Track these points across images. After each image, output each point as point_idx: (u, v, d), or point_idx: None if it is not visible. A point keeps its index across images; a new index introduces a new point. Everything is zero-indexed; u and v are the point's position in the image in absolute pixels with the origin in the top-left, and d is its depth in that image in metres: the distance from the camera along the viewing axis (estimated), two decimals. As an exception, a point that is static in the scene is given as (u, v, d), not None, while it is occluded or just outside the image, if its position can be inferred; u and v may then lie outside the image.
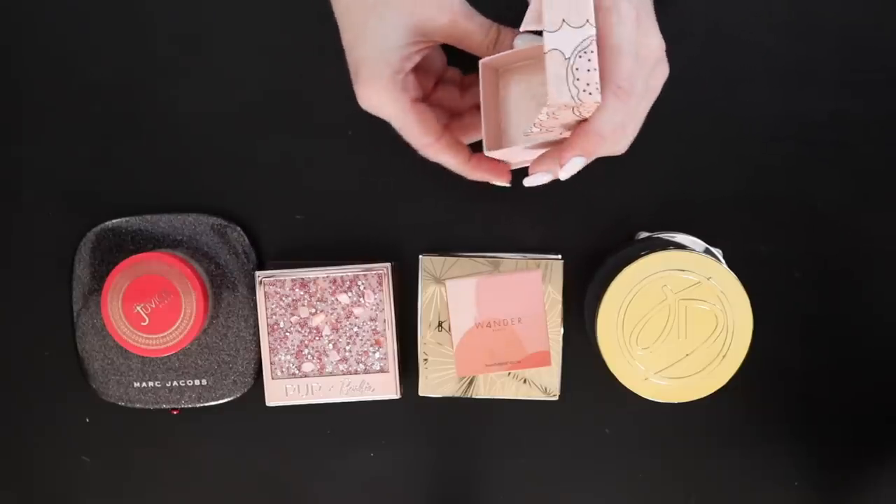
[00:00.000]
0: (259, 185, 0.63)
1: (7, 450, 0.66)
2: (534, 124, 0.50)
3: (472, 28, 0.51)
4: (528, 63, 0.53)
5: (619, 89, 0.48)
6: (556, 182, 0.62)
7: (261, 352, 0.62)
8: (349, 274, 0.61)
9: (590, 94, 0.47)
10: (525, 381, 0.62)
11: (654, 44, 0.50)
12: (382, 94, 0.50)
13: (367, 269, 0.61)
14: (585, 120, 0.49)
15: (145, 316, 0.58)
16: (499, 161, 0.55)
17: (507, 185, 0.56)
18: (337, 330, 0.61)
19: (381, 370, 0.61)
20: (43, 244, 0.64)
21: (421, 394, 0.62)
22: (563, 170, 0.50)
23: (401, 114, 0.51)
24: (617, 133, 0.49)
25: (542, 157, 0.52)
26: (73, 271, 0.63)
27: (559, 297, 0.61)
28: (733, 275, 0.55)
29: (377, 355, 0.61)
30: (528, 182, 0.53)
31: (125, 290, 0.58)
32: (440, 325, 0.62)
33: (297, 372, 0.62)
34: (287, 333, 0.61)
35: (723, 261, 0.58)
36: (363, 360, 0.61)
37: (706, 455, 0.64)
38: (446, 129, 0.54)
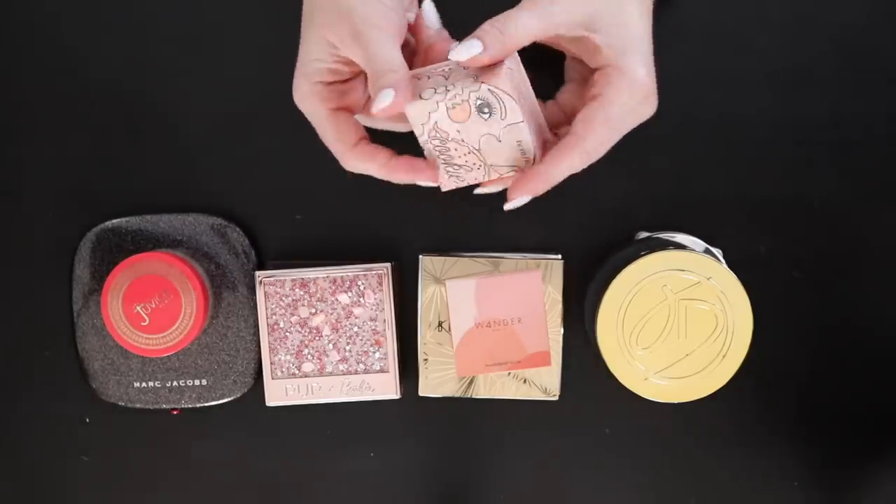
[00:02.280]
0: (259, 185, 0.63)
1: (7, 449, 0.66)
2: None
3: (380, 49, 0.50)
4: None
5: (586, 154, 0.51)
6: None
7: (261, 352, 0.62)
8: (349, 274, 0.61)
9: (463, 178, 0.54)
10: (525, 381, 0.62)
11: (647, 112, 0.53)
12: (304, 101, 0.53)
13: (367, 269, 0.61)
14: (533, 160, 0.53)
15: (145, 316, 0.58)
16: (422, 161, 0.54)
17: (435, 184, 0.54)
18: (337, 330, 0.61)
19: (381, 370, 0.61)
20: (43, 244, 0.64)
21: (421, 394, 0.62)
22: (509, 204, 0.53)
23: (318, 120, 0.53)
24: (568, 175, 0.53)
25: (519, 182, 0.53)
26: (73, 271, 0.63)
27: (559, 297, 0.61)
28: (733, 275, 0.55)
29: (377, 355, 0.61)
30: (509, 207, 0.54)
31: (125, 290, 0.58)
32: (440, 325, 0.62)
33: (297, 372, 0.62)
34: (287, 333, 0.61)
35: (723, 261, 0.58)
36: (363, 360, 0.61)
37: (706, 455, 0.64)
38: (364, 139, 0.54)
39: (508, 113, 0.51)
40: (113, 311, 0.58)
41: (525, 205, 0.62)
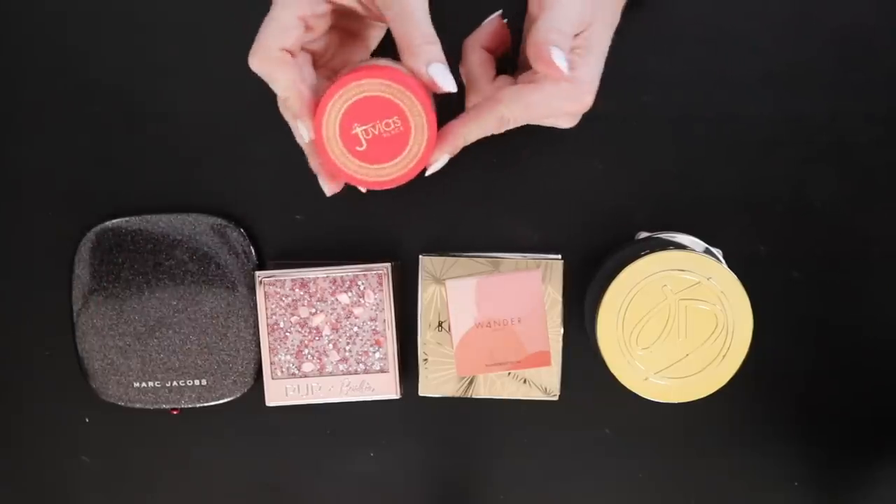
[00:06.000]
0: (259, 185, 0.63)
1: (7, 450, 0.66)
2: None
3: None
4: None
5: (503, 121, 0.51)
6: (555, 182, 0.62)
7: (261, 352, 0.62)
8: (349, 274, 0.61)
9: None
10: (525, 381, 0.62)
11: (570, 108, 0.53)
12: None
13: (367, 269, 0.61)
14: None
15: (363, 140, 0.51)
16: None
17: (327, 192, 0.54)
18: (337, 330, 0.61)
19: (381, 370, 0.61)
20: (43, 244, 0.64)
21: (421, 394, 0.62)
22: (430, 168, 0.52)
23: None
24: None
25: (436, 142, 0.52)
26: (73, 271, 0.63)
27: (559, 297, 0.61)
28: (733, 275, 0.55)
29: (377, 355, 0.61)
30: (430, 172, 0.53)
31: (348, 107, 0.51)
32: (440, 325, 0.62)
33: (297, 372, 0.62)
34: (287, 333, 0.61)
35: (723, 261, 0.58)
36: (363, 360, 0.61)
37: (706, 455, 0.64)
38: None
39: None
40: (329, 127, 0.51)
41: (525, 205, 0.63)
